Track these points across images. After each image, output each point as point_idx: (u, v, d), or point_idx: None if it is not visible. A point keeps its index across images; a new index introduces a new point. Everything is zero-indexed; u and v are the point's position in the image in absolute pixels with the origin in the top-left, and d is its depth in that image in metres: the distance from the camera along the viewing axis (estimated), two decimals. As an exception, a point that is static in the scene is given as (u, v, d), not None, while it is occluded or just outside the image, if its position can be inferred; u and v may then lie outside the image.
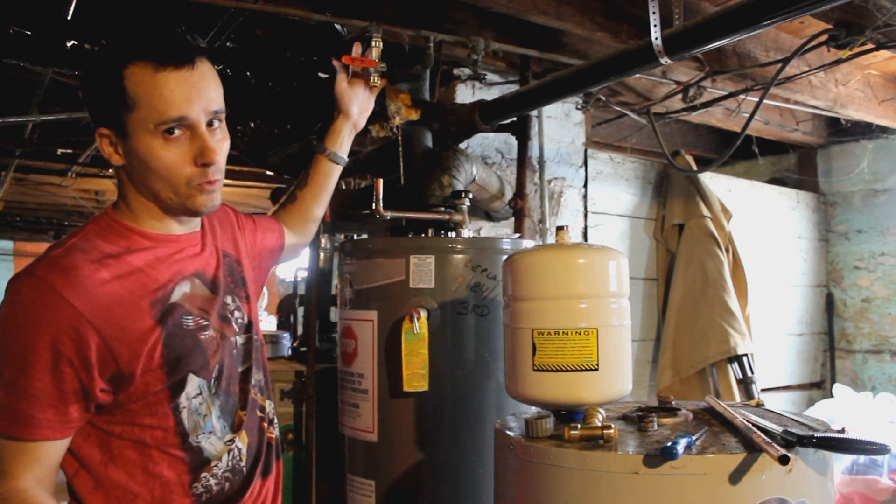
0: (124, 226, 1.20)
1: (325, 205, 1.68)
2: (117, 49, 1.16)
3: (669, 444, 1.19)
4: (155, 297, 1.17)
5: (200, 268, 1.27)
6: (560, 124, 3.40)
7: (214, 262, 1.31)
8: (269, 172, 4.28)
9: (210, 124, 1.17)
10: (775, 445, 1.18)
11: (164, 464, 1.18)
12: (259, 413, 1.33)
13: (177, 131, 1.13)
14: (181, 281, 1.22)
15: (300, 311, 3.83)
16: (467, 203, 2.25)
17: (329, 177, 1.66)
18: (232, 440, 1.25)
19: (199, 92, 1.15)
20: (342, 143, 1.66)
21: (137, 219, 1.21)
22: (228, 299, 1.30)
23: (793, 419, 1.45)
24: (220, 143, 1.19)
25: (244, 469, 1.27)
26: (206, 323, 1.23)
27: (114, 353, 1.10)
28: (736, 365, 3.58)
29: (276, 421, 1.39)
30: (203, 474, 1.21)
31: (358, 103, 1.69)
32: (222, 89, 1.21)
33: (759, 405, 1.60)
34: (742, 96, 3.29)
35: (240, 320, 1.32)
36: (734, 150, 2.80)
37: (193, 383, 1.20)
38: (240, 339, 1.31)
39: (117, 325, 1.11)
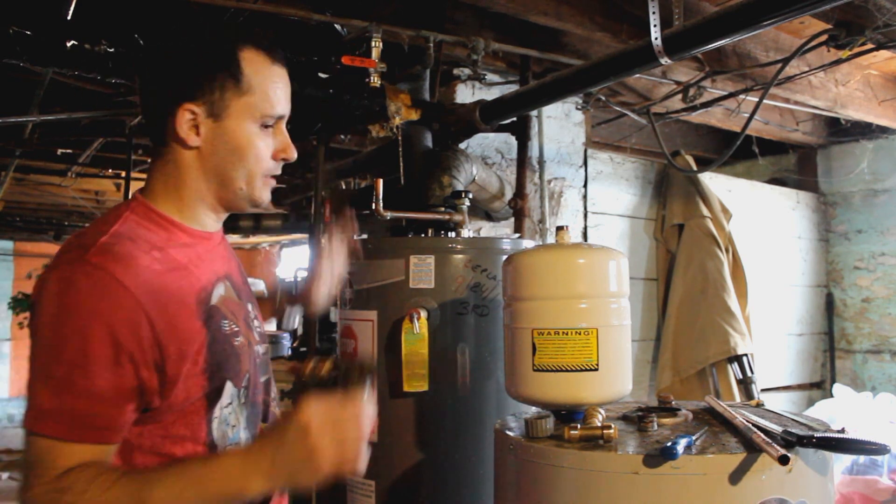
0: (164, 217, 1.13)
1: None
2: (231, 29, 1.16)
3: (669, 444, 1.19)
4: (199, 297, 1.10)
5: (229, 270, 1.23)
6: (560, 124, 3.39)
7: (236, 266, 1.27)
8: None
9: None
10: (775, 445, 1.18)
11: None
12: None
13: (270, 125, 1.14)
14: (217, 282, 1.16)
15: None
16: (467, 203, 2.25)
17: None
18: None
19: (288, 94, 1.18)
20: None
21: (180, 210, 1.15)
22: (249, 306, 1.26)
23: (793, 419, 1.45)
24: None
25: None
26: (237, 329, 1.16)
27: (163, 352, 1.02)
28: (736, 365, 3.58)
29: None
30: None
31: None
32: None
33: (759, 405, 1.60)
34: (742, 96, 3.29)
35: (259, 329, 1.28)
36: (734, 150, 2.80)
37: (228, 392, 1.13)
38: (261, 349, 1.26)
39: (170, 321, 1.02)
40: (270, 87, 1.13)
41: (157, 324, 1.00)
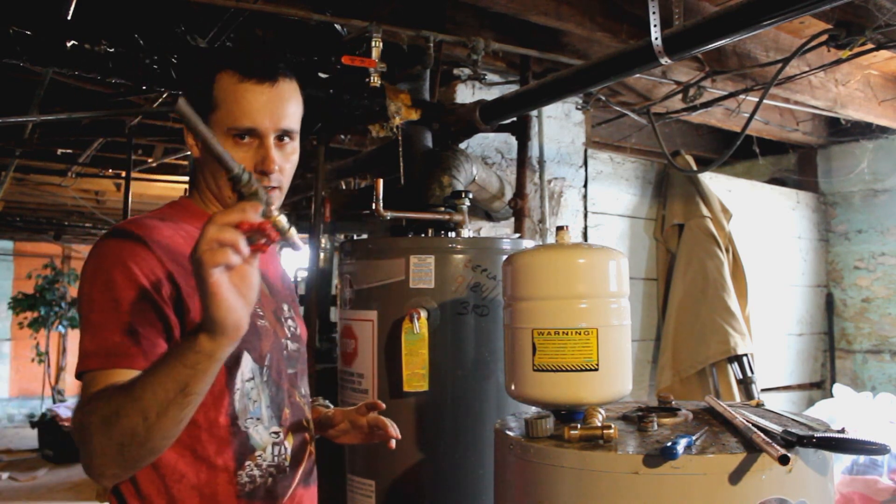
0: (199, 209, 1.30)
1: None
2: (217, 55, 1.33)
3: (669, 444, 1.19)
4: None
5: (262, 268, 1.28)
6: (560, 124, 3.40)
7: (275, 269, 1.40)
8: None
9: (280, 138, 1.26)
10: (775, 445, 1.18)
11: (212, 447, 1.19)
12: (305, 423, 1.36)
13: (246, 138, 1.23)
14: None
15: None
16: (467, 203, 2.25)
17: None
18: (277, 433, 1.27)
19: (273, 108, 1.24)
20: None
21: (208, 208, 1.30)
22: (284, 306, 1.37)
23: (793, 419, 1.45)
24: (287, 156, 1.27)
25: (287, 469, 1.28)
26: (261, 313, 1.28)
27: (185, 305, 1.14)
28: (736, 365, 3.58)
29: (314, 442, 1.40)
30: (248, 462, 1.22)
31: None
32: (301, 109, 1.30)
33: (759, 405, 1.60)
34: (742, 96, 3.29)
35: (292, 328, 1.37)
36: (734, 150, 2.80)
37: (248, 364, 1.23)
38: (290, 344, 1.35)
39: (189, 281, 1.13)
40: (236, 102, 1.22)
41: (178, 280, 1.14)
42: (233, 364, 1.20)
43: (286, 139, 1.26)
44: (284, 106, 1.25)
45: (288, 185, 1.31)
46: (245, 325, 0.98)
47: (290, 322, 1.37)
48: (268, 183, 1.24)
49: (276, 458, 1.26)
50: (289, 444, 1.29)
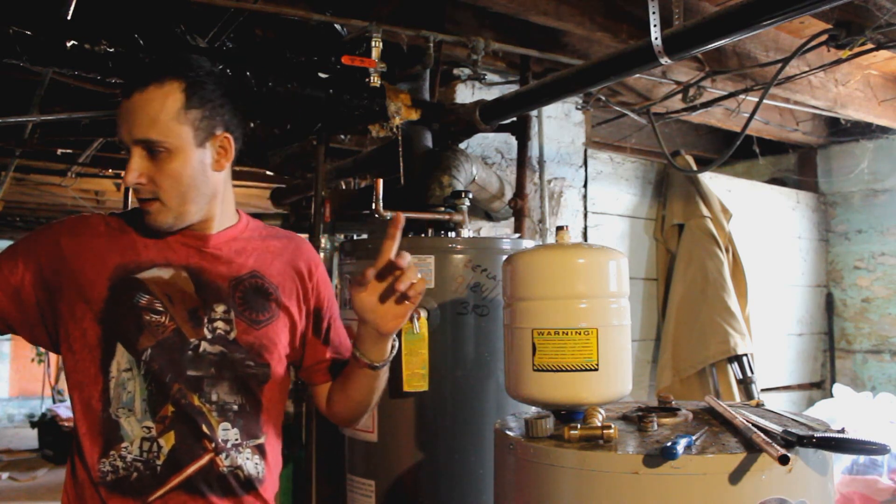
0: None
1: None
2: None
3: (669, 444, 1.19)
4: (121, 264, 1.27)
5: (198, 265, 1.31)
6: (560, 124, 3.39)
7: (221, 268, 1.32)
8: (268, 172, 4.28)
9: (148, 150, 1.20)
10: (775, 445, 1.18)
11: (83, 426, 1.24)
12: (206, 430, 1.26)
13: (128, 153, 1.22)
14: (164, 266, 1.29)
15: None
16: (467, 203, 2.25)
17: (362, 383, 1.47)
18: (150, 429, 1.23)
19: (130, 118, 1.20)
20: (372, 349, 1.38)
21: None
22: (220, 307, 1.29)
23: (793, 419, 1.45)
24: (160, 167, 1.21)
25: (158, 469, 1.23)
26: (160, 308, 1.26)
27: (66, 280, 1.25)
28: (736, 365, 3.58)
29: (240, 458, 1.29)
30: (112, 452, 1.23)
31: (374, 312, 1.34)
32: (180, 112, 1.21)
33: (759, 405, 1.60)
34: (742, 96, 3.29)
35: (220, 331, 1.29)
36: (734, 150, 2.80)
37: (124, 356, 1.24)
38: (206, 346, 1.27)
39: (81, 265, 1.25)
40: (118, 119, 1.22)
41: (69, 261, 1.25)
42: (107, 352, 1.24)
43: (161, 149, 1.19)
44: (141, 115, 1.18)
45: (175, 197, 1.23)
46: None
47: (219, 324, 1.29)
48: (139, 196, 1.24)
49: (144, 454, 1.22)
50: (165, 443, 1.23)
